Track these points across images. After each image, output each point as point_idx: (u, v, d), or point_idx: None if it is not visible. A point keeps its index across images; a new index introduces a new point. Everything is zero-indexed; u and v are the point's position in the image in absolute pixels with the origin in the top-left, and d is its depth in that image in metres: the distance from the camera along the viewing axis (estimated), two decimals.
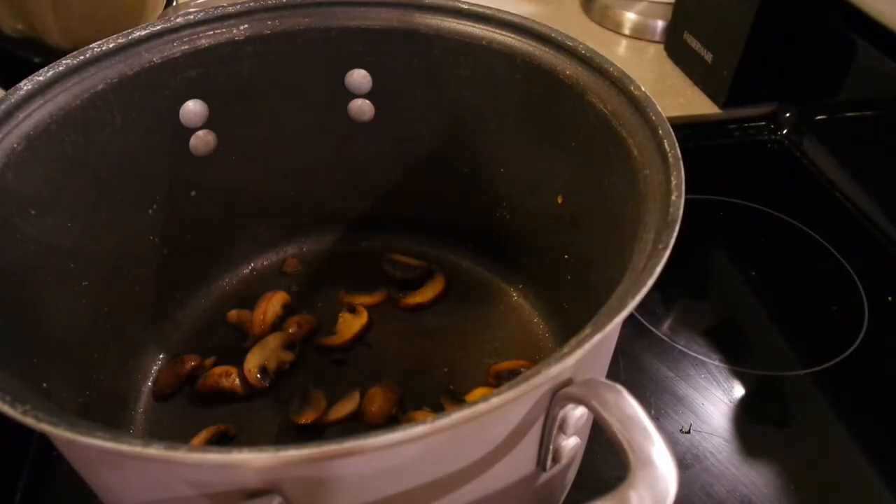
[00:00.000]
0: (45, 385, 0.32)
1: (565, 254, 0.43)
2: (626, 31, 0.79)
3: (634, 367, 0.47)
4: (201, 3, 0.73)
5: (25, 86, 0.34)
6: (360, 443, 0.20)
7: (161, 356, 0.45)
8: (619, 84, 0.35)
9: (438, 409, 0.42)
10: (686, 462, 0.41)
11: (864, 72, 0.60)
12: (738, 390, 0.46)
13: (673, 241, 0.27)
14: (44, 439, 0.41)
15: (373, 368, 0.45)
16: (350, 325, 0.46)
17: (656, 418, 0.44)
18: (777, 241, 0.57)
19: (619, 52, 0.77)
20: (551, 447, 0.28)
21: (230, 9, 0.40)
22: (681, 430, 0.43)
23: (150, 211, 0.42)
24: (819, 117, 0.66)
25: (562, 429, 0.27)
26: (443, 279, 0.49)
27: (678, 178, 0.29)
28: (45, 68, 0.35)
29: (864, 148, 0.62)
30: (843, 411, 0.45)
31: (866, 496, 0.41)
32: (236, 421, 0.42)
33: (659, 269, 0.26)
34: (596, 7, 0.82)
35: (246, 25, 0.41)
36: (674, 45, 0.74)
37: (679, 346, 0.48)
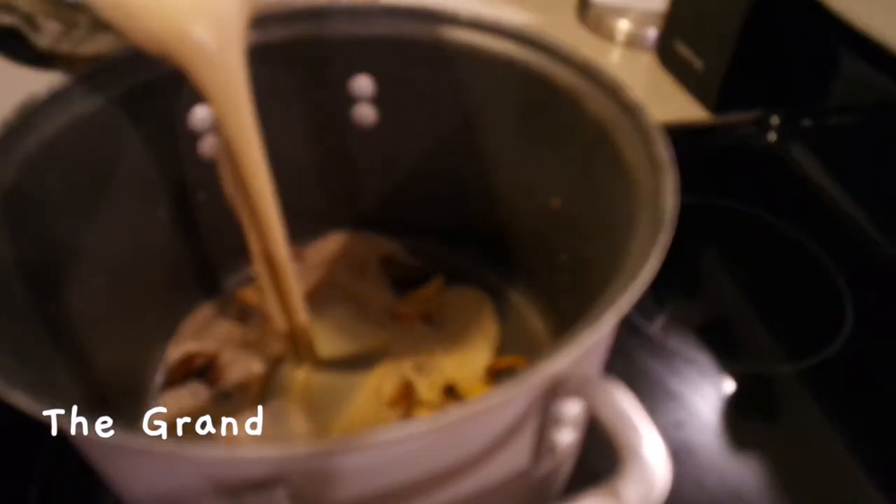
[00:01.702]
0: (55, 382, 0.33)
1: (562, 255, 0.44)
2: (620, 40, 0.81)
3: (628, 364, 0.48)
4: None
5: (42, 92, 0.35)
6: (361, 440, 0.21)
7: (169, 353, 0.46)
8: (613, 91, 0.36)
9: (438, 408, 0.43)
10: (678, 456, 0.42)
11: (849, 80, 0.61)
12: (729, 386, 0.47)
13: (666, 243, 0.27)
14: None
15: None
16: None
17: (649, 414, 0.45)
18: (765, 242, 0.59)
19: (613, 60, 0.79)
20: (547, 442, 0.28)
21: None
22: (673, 424, 0.44)
23: (159, 213, 0.43)
24: (806, 123, 0.68)
25: (558, 424, 0.27)
26: (443, 279, 0.51)
27: (670, 182, 0.30)
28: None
29: (849, 153, 0.63)
30: (829, 405, 0.46)
31: (853, 488, 0.42)
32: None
33: (652, 270, 0.26)
34: (591, 16, 0.83)
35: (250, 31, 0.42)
36: (666, 53, 0.76)
37: (671, 345, 0.50)
